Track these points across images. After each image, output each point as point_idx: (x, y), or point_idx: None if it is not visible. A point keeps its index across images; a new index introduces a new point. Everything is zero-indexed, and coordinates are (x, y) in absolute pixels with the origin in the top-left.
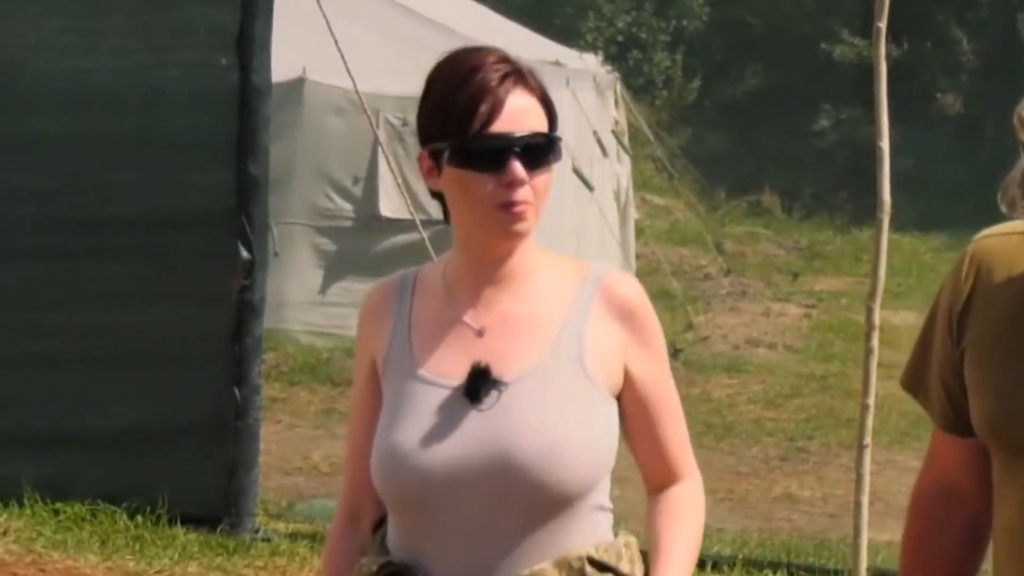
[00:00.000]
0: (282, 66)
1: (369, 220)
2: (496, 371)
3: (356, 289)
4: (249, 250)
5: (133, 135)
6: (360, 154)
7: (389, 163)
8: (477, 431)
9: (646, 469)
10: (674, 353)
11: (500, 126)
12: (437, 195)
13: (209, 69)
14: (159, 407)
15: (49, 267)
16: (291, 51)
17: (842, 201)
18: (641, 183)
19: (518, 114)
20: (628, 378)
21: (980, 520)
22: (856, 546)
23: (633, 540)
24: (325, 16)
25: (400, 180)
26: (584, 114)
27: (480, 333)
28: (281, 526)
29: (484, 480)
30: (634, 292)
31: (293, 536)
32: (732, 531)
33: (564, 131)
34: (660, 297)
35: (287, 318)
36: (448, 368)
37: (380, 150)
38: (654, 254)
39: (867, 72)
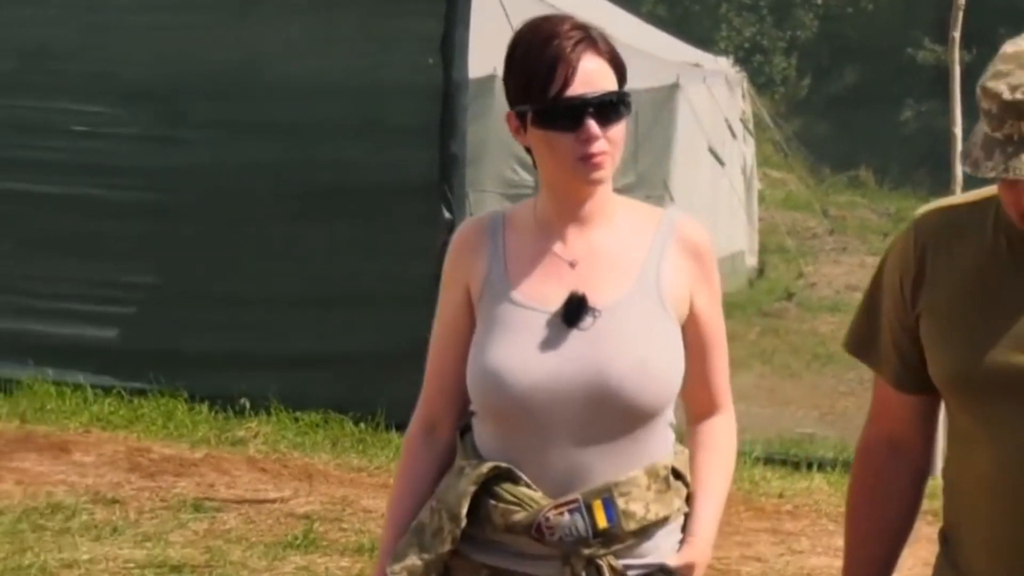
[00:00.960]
0: (477, 65)
1: None
2: (591, 299)
3: None
4: (450, 212)
5: (359, 121)
6: None
7: None
8: (575, 351)
9: (693, 397)
10: (788, 296)
11: (576, 89)
12: (526, 148)
13: (419, 68)
14: (376, 337)
15: (291, 226)
16: (484, 52)
17: (922, 176)
18: (762, 161)
19: (591, 76)
20: (691, 310)
21: (923, 473)
22: None
23: (687, 452)
24: (511, 24)
25: None
26: (718, 105)
27: (572, 265)
28: None
29: (583, 395)
30: (703, 236)
31: None
32: (834, 439)
33: (702, 119)
34: (777, 251)
35: None
36: (545, 295)
37: None
38: (772, 217)
39: (944, 73)
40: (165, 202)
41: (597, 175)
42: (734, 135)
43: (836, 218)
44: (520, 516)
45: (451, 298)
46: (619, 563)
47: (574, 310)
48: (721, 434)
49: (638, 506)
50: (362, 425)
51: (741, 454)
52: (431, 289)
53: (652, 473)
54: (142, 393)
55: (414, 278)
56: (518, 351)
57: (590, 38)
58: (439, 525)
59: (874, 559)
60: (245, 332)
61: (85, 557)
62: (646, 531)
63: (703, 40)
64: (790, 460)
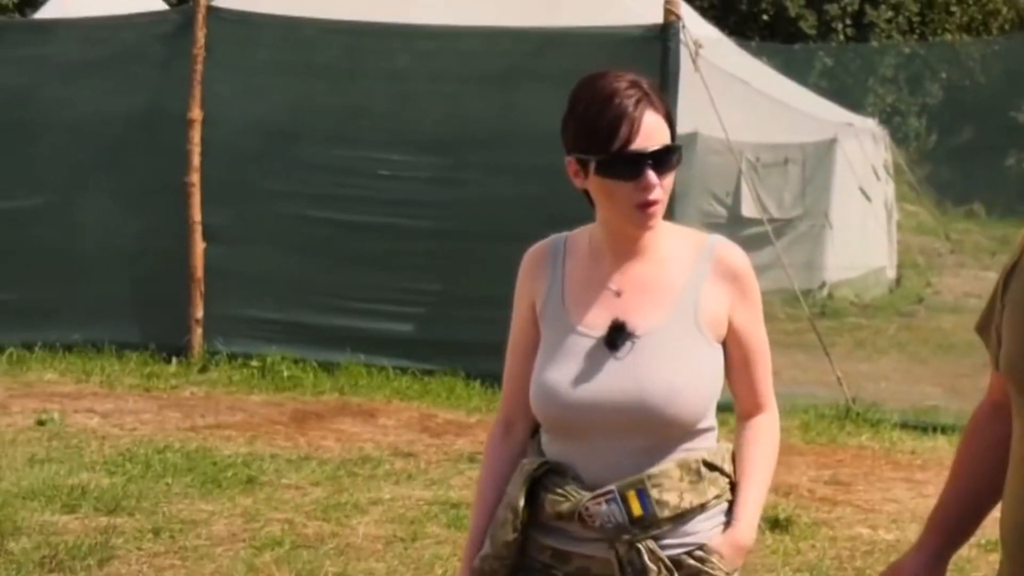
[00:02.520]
0: (682, 124)
1: (735, 218)
2: (631, 326)
3: None
4: None
5: None
6: (730, 178)
7: (747, 184)
8: (615, 374)
9: (738, 399)
10: (919, 301)
11: (637, 144)
12: (583, 190)
13: None
14: None
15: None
16: (686, 115)
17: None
18: (900, 197)
19: (650, 131)
20: (731, 327)
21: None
22: None
23: (731, 446)
24: (709, 93)
25: (754, 194)
26: (866, 155)
27: (618, 294)
28: None
29: (620, 412)
30: (740, 258)
31: None
32: (954, 409)
33: (854, 165)
34: (910, 267)
35: None
36: (593, 321)
37: (741, 176)
38: (907, 241)
39: None
40: (447, 228)
41: (652, 223)
42: (878, 178)
43: (956, 241)
44: (565, 506)
45: (521, 312)
46: (658, 545)
47: (614, 337)
48: (764, 431)
49: (672, 495)
50: None
51: (883, 421)
52: None
53: (684, 466)
54: (431, 373)
55: None
56: (567, 372)
57: (648, 96)
58: (505, 516)
59: (966, 491)
60: (506, 325)
61: (387, 496)
62: (683, 517)
63: (855, 105)
64: (920, 426)
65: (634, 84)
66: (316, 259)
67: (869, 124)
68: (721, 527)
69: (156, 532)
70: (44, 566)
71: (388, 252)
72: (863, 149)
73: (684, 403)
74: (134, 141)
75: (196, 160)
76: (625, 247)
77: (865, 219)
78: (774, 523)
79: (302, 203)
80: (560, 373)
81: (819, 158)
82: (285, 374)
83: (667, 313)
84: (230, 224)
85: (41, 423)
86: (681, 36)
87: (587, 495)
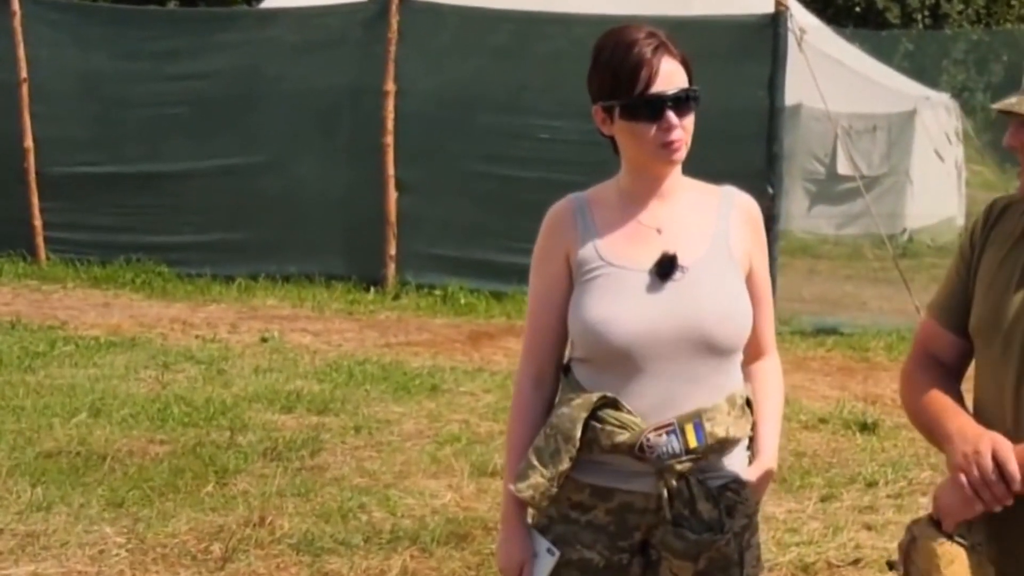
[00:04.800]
0: (789, 97)
1: (832, 175)
2: (679, 257)
3: (824, 210)
4: (772, 188)
5: (718, 133)
6: (828, 141)
7: (842, 146)
8: (670, 301)
9: (747, 341)
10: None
11: (657, 87)
12: (609, 136)
13: (755, 98)
14: None
15: None
16: (793, 89)
17: None
18: (968, 159)
19: (668, 76)
20: (750, 268)
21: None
22: None
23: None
24: (812, 72)
25: (848, 155)
26: (940, 124)
27: (659, 231)
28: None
29: (677, 337)
30: (755, 206)
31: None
32: None
33: (930, 132)
34: (976, 216)
35: (790, 223)
36: (638, 257)
37: (837, 140)
38: (974, 195)
39: None
40: (593, 181)
41: (676, 157)
42: (950, 142)
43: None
44: (624, 437)
45: (549, 269)
46: (703, 476)
47: (667, 267)
48: (772, 372)
49: (721, 429)
50: None
51: None
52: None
53: (731, 401)
54: None
55: None
56: (621, 304)
57: (665, 44)
58: (556, 447)
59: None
60: None
61: None
62: (725, 449)
63: (931, 82)
64: None
65: (651, 34)
66: (488, 207)
67: (943, 98)
68: (747, 461)
69: (357, 429)
70: (266, 456)
71: (546, 201)
72: (938, 119)
73: (734, 325)
74: (339, 109)
75: (390, 125)
76: (654, 188)
77: (939, 176)
78: (863, 426)
79: (477, 160)
80: (615, 308)
81: (901, 126)
82: (462, 301)
83: (707, 246)
84: (418, 177)
85: (264, 340)
86: (789, 24)
87: (648, 426)
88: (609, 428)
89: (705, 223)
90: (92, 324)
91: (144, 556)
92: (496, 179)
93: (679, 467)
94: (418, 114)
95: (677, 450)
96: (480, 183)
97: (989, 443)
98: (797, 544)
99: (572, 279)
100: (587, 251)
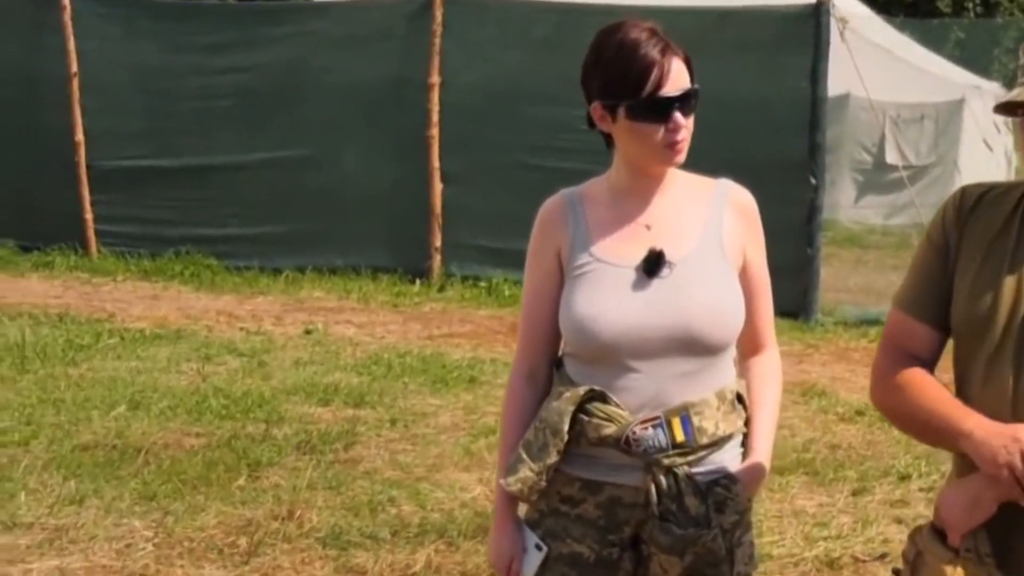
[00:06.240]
0: (836, 86)
1: (880, 164)
2: (666, 254)
3: (872, 200)
4: (815, 178)
5: (761, 122)
6: (874, 131)
7: (890, 136)
8: (656, 298)
9: (743, 337)
10: None
11: (667, 89)
12: (604, 133)
13: (797, 89)
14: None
15: None
16: (837, 79)
17: None
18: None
19: (676, 77)
20: (744, 262)
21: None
22: None
23: (743, 382)
24: (856, 66)
25: (895, 144)
26: (988, 113)
27: (648, 227)
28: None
29: (665, 334)
30: (750, 199)
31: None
32: None
33: (979, 121)
34: None
35: (838, 213)
36: (626, 253)
37: (885, 129)
38: None
39: None
40: None
41: (678, 159)
42: (999, 132)
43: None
44: (610, 430)
45: (541, 264)
46: (692, 471)
47: (654, 263)
48: (769, 367)
49: (709, 423)
50: None
51: None
52: (802, 225)
53: (721, 396)
54: None
55: (792, 218)
56: (608, 301)
57: (668, 43)
58: (544, 441)
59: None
60: None
61: None
62: (715, 445)
63: (982, 71)
64: None
65: (654, 32)
66: (532, 198)
67: (993, 87)
68: (739, 457)
69: (393, 422)
70: (300, 449)
71: None
72: (987, 108)
73: (723, 321)
74: (385, 102)
75: (435, 117)
76: (648, 185)
77: (988, 166)
78: None
79: (521, 152)
80: (602, 304)
81: (950, 115)
82: (506, 293)
83: (696, 242)
84: (463, 169)
85: (308, 332)
86: (831, 13)
87: (634, 420)
88: (596, 421)
89: (696, 217)
90: (139, 316)
91: (170, 550)
92: (540, 170)
93: (666, 461)
94: (462, 106)
95: (663, 444)
96: (524, 174)
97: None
98: (825, 539)
99: (563, 275)
100: (577, 247)
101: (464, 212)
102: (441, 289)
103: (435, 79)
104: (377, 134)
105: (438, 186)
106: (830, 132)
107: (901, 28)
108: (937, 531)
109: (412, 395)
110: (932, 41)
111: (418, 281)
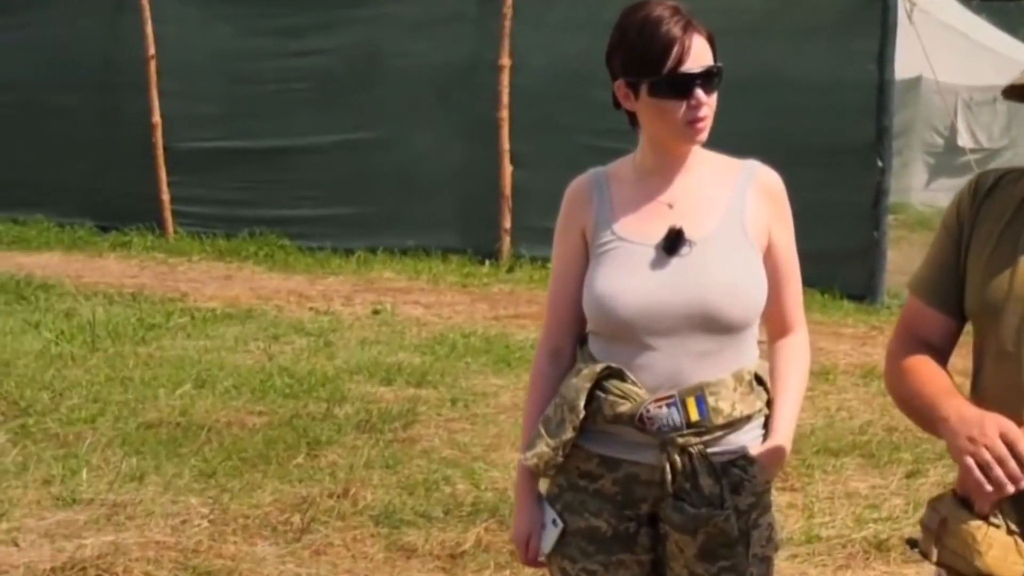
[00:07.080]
0: (901, 70)
1: (952, 147)
2: (686, 233)
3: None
4: (882, 161)
5: (827, 106)
6: (946, 114)
7: (962, 119)
8: (675, 277)
9: (771, 319)
10: None
11: (688, 66)
12: (628, 112)
13: (865, 72)
14: (829, 236)
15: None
16: (905, 62)
17: None
18: None
19: (698, 54)
20: (770, 243)
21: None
22: None
23: (767, 364)
24: (924, 48)
25: (968, 127)
26: None
27: (671, 206)
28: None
29: (682, 313)
30: (777, 180)
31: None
32: None
33: None
34: None
35: (909, 196)
36: (648, 231)
37: (957, 112)
38: None
39: None
40: None
41: (700, 137)
42: None
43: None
44: (625, 407)
45: (568, 242)
46: (708, 451)
47: (673, 241)
48: (796, 350)
49: (726, 404)
50: None
51: None
52: (868, 209)
53: (738, 377)
54: None
55: (858, 202)
56: (628, 279)
57: (691, 21)
58: (561, 417)
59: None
60: None
61: None
62: (732, 426)
63: None
64: None
65: (677, 11)
66: None
67: None
68: (760, 439)
69: (453, 402)
70: (360, 428)
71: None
72: None
73: (742, 301)
74: (456, 84)
75: (506, 99)
76: (672, 164)
77: None
78: None
79: (590, 134)
80: (622, 281)
81: None
82: None
83: (718, 221)
84: (533, 151)
85: (376, 312)
86: None
87: (649, 398)
88: (612, 398)
89: (719, 197)
90: (211, 296)
91: (225, 527)
92: (609, 153)
93: (680, 440)
94: (532, 88)
95: (678, 423)
96: (593, 157)
97: (995, 424)
98: (875, 520)
99: (588, 253)
100: (601, 225)
101: (533, 194)
102: (510, 270)
103: (505, 61)
104: (448, 116)
105: (508, 168)
106: (902, 115)
107: (977, 11)
108: (959, 498)
109: (474, 375)
110: (1009, 23)
111: (487, 262)
